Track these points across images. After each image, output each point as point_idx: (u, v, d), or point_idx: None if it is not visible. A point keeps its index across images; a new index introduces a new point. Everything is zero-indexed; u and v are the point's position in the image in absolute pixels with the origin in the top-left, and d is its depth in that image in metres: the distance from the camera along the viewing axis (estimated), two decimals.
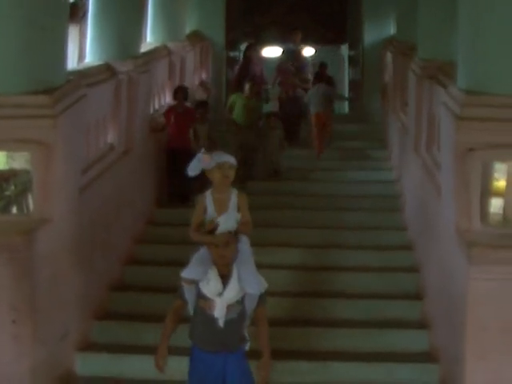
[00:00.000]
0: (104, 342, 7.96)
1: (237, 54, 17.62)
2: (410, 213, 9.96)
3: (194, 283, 5.97)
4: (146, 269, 9.22)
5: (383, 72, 14.71)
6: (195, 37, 14.54)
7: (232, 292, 5.90)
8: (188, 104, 11.36)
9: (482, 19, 6.81)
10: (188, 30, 14.18)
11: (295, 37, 15.79)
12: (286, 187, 11.58)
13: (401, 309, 8.46)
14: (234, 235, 5.98)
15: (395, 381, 7.53)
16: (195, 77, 14.17)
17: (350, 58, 19.22)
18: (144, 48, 10.92)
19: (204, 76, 14.96)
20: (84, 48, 10.34)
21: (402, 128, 11.12)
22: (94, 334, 8.07)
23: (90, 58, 9.55)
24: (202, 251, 6.07)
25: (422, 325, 8.23)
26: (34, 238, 6.64)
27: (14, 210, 6.99)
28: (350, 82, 19.19)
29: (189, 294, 6.02)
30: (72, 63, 10.63)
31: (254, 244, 6.20)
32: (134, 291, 8.82)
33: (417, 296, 8.68)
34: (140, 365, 7.52)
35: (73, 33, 11.20)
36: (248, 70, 14.81)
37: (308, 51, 18.94)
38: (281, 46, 18.86)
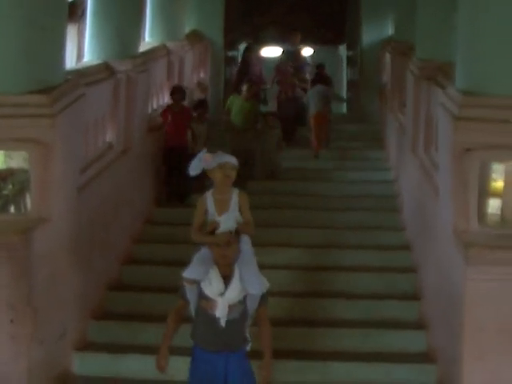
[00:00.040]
0: (102, 342, 7.96)
1: (235, 53, 17.62)
2: (408, 213, 9.97)
3: (196, 283, 5.97)
4: (145, 268, 9.21)
5: (381, 72, 14.72)
6: (194, 36, 14.54)
7: (234, 292, 5.90)
8: (185, 103, 11.36)
9: (481, 20, 6.82)
10: (187, 29, 14.17)
11: (294, 38, 15.80)
12: (284, 187, 11.58)
13: (398, 309, 8.47)
14: (235, 235, 5.98)
15: (393, 381, 7.54)
16: (194, 76, 14.17)
17: (349, 59, 19.22)
18: (143, 47, 10.91)
19: (202, 76, 14.96)
20: (82, 47, 10.34)
21: (399, 128, 11.13)
22: (91, 334, 8.07)
23: (89, 57, 9.54)
24: (204, 251, 6.07)
25: (419, 325, 8.23)
26: (32, 237, 6.64)
27: (12, 209, 6.98)
28: (348, 83, 19.20)
29: (190, 294, 6.02)
30: (70, 62, 10.64)
31: (253, 244, 6.20)
32: (133, 291, 8.82)
33: (414, 296, 8.69)
34: (138, 365, 7.54)
35: (71, 32, 11.21)
36: (247, 72, 14.83)
37: (307, 51, 18.97)
38: (280, 47, 18.87)
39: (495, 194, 6.73)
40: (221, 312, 5.88)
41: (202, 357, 5.95)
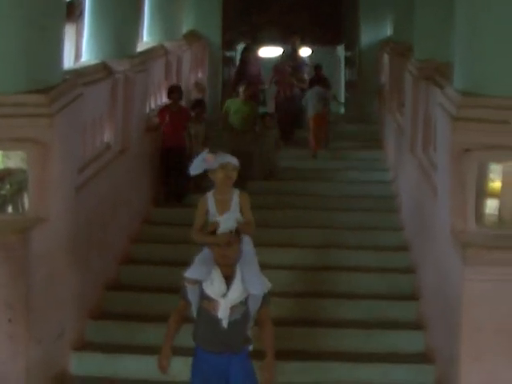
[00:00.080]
0: (99, 342, 7.95)
1: (233, 53, 17.62)
2: (406, 213, 9.97)
3: (198, 283, 5.95)
4: (142, 268, 9.21)
5: (380, 73, 14.73)
6: (192, 36, 14.54)
7: (236, 293, 5.88)
8: (182, 103, 11.36)
9: (479, 20, 6.82)
10: (185, 29, 14.18)
11: (294, 40, 15.81)
12: (283, 187, 11.57)
13: (397, 309, 8.47)
14: (236, 235, 5.98)
15: (391, 381, 7.53)
16: (192, 76, 14.17)
17: (347, 59, 19.23)
18: (141, 47, 10.92)
19: (200, 75, 14.96)
20: (80, 47, 10.34)
21: (398, 129, 11.13)
22: (89, 334, 8.06)
23: (87, 57, 9.54)
24: (205, 251, 6.06)
25: (417, 326, 8.23)
26: (30, 236, 6.63)
27: (10, 209, 6.98)
28: (347, 83, 19.21)
29: (192, 294, 5.99)
30: (68, 62, 10.64)
31: (253, 244, 6.19)
32: (131, 291, 8.81)
33: (413, 297, 8.69)
34: (136, 365, 7.53)
35: (69, 32, 11.21)
36: (245, 72, 14.83)
37: (305, 51, 18.97)
38: (278, 47, 18.88)
39: (493, 195, 6.73)
40: (223, 313, 5.86)
41: (203, 357, 5.92)
